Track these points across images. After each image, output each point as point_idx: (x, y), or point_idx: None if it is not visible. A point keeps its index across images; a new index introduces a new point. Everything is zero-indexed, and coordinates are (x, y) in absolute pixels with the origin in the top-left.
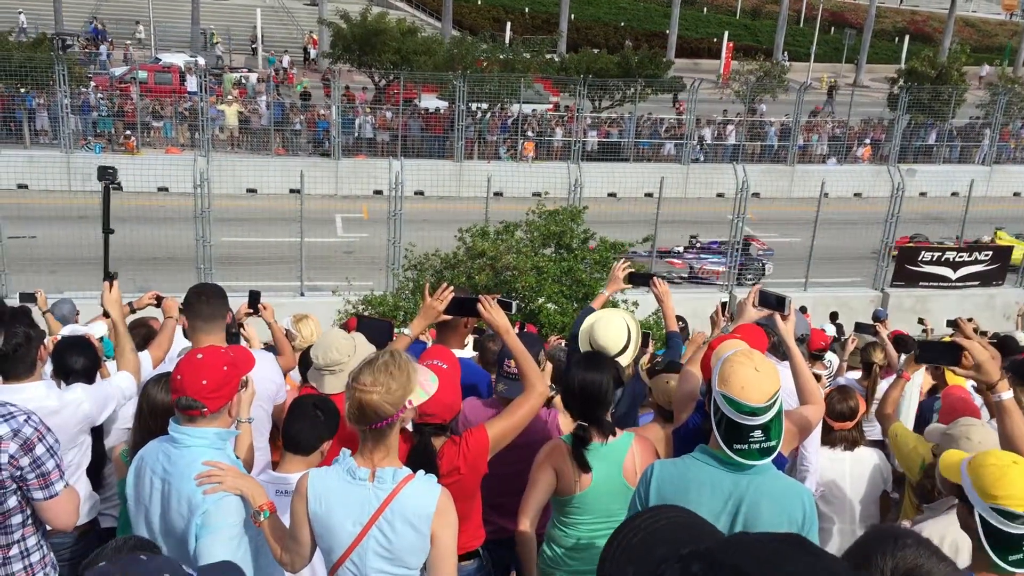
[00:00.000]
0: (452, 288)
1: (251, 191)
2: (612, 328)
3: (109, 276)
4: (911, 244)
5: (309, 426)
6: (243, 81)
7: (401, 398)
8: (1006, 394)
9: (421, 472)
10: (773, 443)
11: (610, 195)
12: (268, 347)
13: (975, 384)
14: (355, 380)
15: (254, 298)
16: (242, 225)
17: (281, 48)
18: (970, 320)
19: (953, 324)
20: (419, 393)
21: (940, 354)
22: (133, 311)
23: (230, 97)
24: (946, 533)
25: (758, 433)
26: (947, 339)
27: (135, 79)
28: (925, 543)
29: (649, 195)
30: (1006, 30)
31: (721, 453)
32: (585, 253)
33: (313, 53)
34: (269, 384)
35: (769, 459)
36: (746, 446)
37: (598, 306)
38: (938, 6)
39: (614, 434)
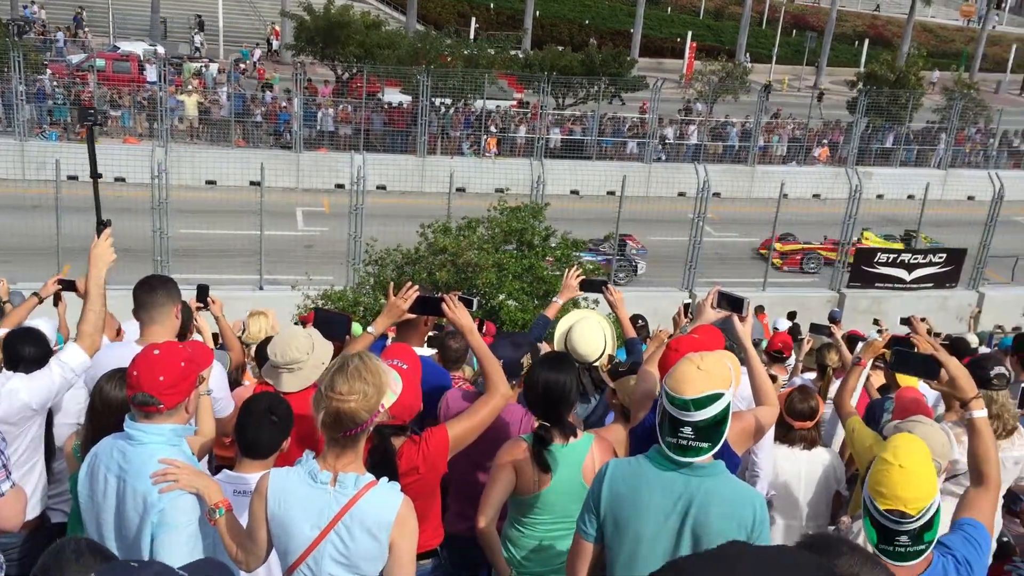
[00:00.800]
0: (417, 287)
1: (210, 183)
2: (589, 334)
3: (103, 223)
4: (780, 244)
5: (266, 431)
6: (203, 71)
7: (376, 403)
8: (978, 412)
9: (384, 479)
10: (704, 445)
11: (573, 192)
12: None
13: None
14: (330, 389)
15: (202, 292)
16: (200, 217)
17: (242, 39)
18: (923, 320)
19: (906, 322)
20: (389, 396)
21: (916, 367)
22: (40, 301)
23: (190, 87)
24: None
25: (688, 430)
26: (915, 345)
27: (92, 67)
28: (859, 550)
29: (611, 193)
30: (963, 36)
31: (668, 452)
32: (547, 250)
33: (276, 45)
34: (214, 394)
35: (698, 459)
36: (675, 440)
37: (552, 314)
38: (898, 11)
39: (575, 435)
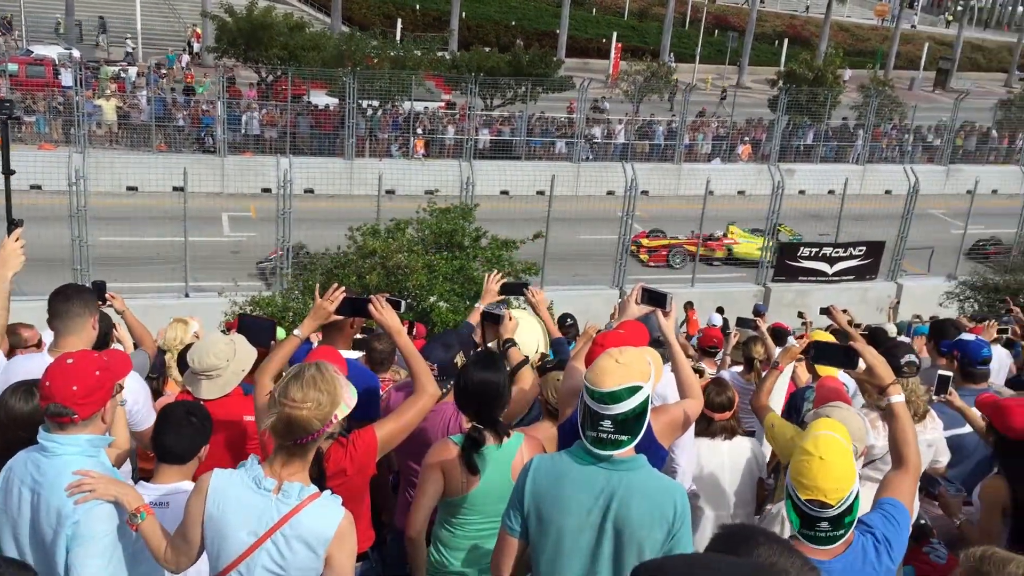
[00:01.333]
0: (344, 288)
1: (131, 189)
2: (526, 331)
3: (14, 223)
4: (647, 240)
5: (186, 435)
6: (121, 75)
7: (329, 413)
8: (896, 398)
9: (327, 492)
10: (624, 439)
11: (503, 193)
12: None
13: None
14: (283, 395)
15: (99, 289)
16: (122, 224)
17: (162, 42)
18: (844, 312)
19: (826, 311)
20: (343, 408)
21: (835, 357)
22: None
23: (108, 92)
24: None
25: (607, 424)
26: (828, 337)
27: (4, 72)
28: (777, 540)
29: (541, 193)
30: (878, 35)
31: (590, 447)
32: (477, 251)
33: (197, 47)
34: (131, 406)
35: (618, 452)
36: (595, 434)
37: (475, 320)
38: (815, 11)
39: (508, 435)
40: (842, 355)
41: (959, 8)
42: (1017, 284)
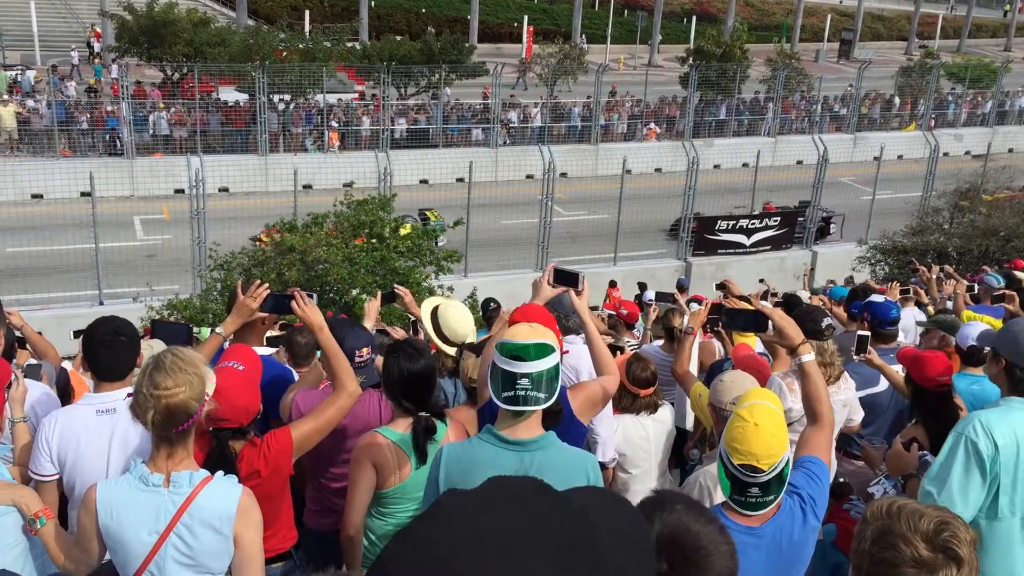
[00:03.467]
0: (267, 284)
1: (36, 196)
2: (461, 312)
3: None
4: None
5: (121, 352)
6: (18, 79)
7: (202, 391)
8: (806, 357)
9: (220, 473)
10: (541, 396)
11: (422, 182)
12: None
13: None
14: (154, 387)
15: None
16: (28, 233)
17: (60, 44)
18: (761, 281)
19: (721, 287)
20: (209, 384)
21: (746, 321)
22: None
23: (5, 97)
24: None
25: (525, 381)
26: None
27: None
28: (694, 506)
29: (460, 180)
30: (782, 8)
31: (498, 431)
32: (398, 241)
33: (97, 47)
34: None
35: (536, 408)
36: (512, 393)
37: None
38: None
39: (443, 418)
40: (752, 319)
41: None
42: (924, 245)
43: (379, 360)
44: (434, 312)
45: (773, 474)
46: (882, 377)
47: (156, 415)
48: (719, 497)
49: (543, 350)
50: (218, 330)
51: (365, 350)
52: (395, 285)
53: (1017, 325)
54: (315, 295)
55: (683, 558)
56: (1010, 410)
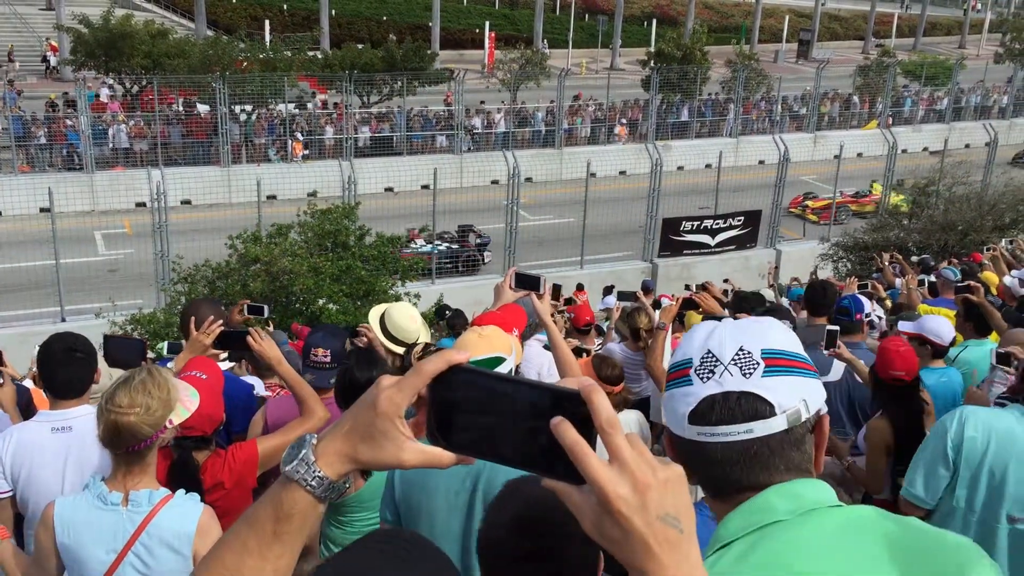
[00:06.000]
0: (220, 322)
1: None
2: (407, 313)
3: None
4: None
5: (77, 371)
6: None
7: (161, 418)
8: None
9: (181, 492)
10: None
11: (387, 190)
12: None
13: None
14: (109, 401)
15: None
16: None
17: (17, 58)
18: (726, 281)
19: (702, 287)
20: (180, 411)
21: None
22: None
23: None
24: None
25: None
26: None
27: None
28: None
29: (426, 187)
30: (741, 10)
31: None
32: (363, 250)
33: (54, 61)
34: None
35: None
36: None
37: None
38: None
39: None
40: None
41: None
42: (884, 240)
43: None
44: (381, 317)
45: None
46: (834, 367)
47: (104, 430)
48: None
49: (492, 363)
50: (169, 366)
51: (321, 351)
52: (361, 325)
53: None
54: (265, 307)
55: (542, 533)
56: (1005, 414)
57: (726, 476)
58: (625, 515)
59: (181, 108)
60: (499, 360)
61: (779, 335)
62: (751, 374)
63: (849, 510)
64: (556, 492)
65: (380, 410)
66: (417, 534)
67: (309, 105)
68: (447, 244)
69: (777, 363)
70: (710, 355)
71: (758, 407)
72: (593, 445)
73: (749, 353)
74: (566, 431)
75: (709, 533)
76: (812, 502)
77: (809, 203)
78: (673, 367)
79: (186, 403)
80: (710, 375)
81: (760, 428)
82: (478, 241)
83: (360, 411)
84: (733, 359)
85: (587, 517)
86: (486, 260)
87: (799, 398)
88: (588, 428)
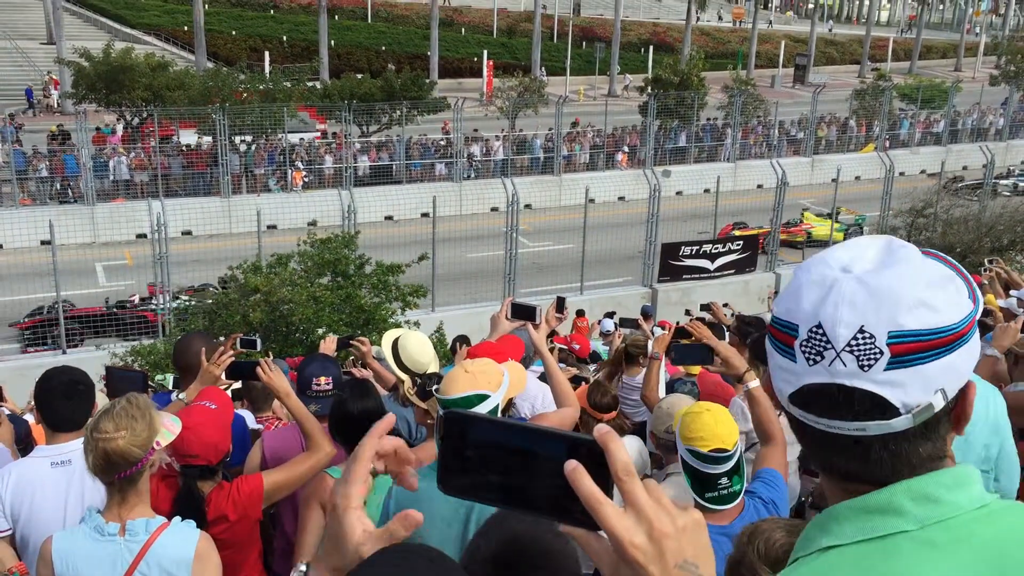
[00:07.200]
0: (231, 354)
1: None
2: (421, 342)
3: None
4: (737, 230)
5: (79, 404)
6: None
7: (148, 440)
8: (752, 383)
9: (177, 519)
10: None
11: (387, 218)
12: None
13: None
14: (95, 430)
15: None
16: None
17: (16, 92)
18: (726, 305)
19: (706, 308)
20: (165, 434)
21: (694, 357)
22: None
23: None
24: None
25: None
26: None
27: None
28: (533, 519)
29: (425, 215)
30: (737, 37)
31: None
32: (363, 278)
33: (56, 95)
34: None
35: None
36: None
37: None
38: (676, 18)
39: None
40: (699, 353)
41: (811, 6)
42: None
43: None
44: (394, 343)
45: (736, 458)
46: None
47: (95, 459)
48: None
49: (471, 402)
50: (181, 396)
51: (323, 379)
52: (356, 336)
53: None
54: (258, 340)
55: (530, 566)
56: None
57: (831, 463)
58: (642, 564)
59: (180, 140)
60: (482, 397)
61: (917, 307)
62: (870, 367)
63: (1002, 514)
64: (574, 538)
65: (339, 508)
66: (428, 547)
67: (308, 136)
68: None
69: (908, 349)
70: (819, 331)
71: (875, 406)
72: (609, 491)
73: (871, 338)
74: (581, 479)
75: None
76: (951, 507)
77: (736, 232)
78: (775, 322)
79: (170, 428)
80: (817, 358)
81: (875, 428)
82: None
83: (329, 521)
84: (849, 346)
85: (605, 564)
86: None
87: (934, 389)
88: (604, 474)
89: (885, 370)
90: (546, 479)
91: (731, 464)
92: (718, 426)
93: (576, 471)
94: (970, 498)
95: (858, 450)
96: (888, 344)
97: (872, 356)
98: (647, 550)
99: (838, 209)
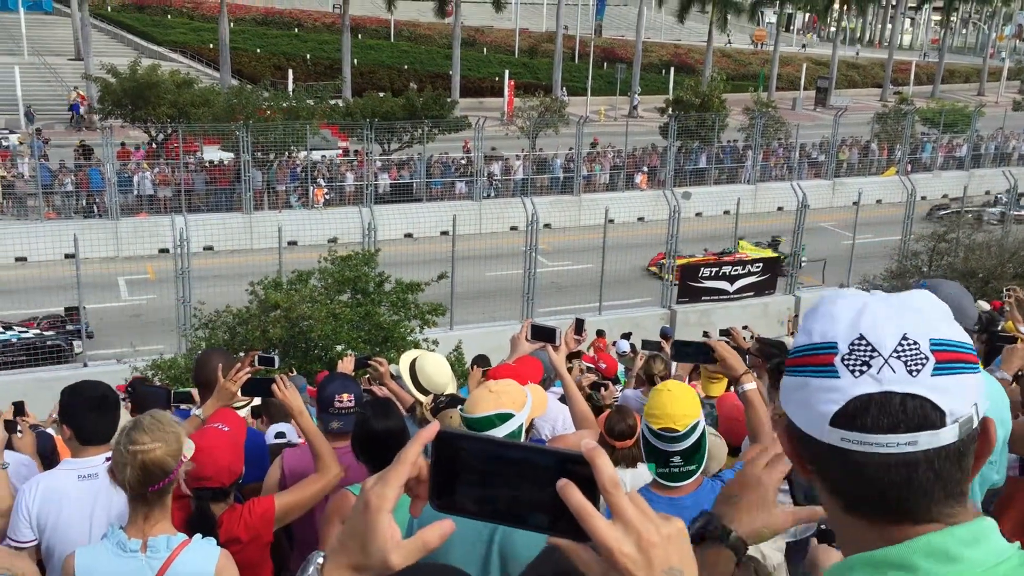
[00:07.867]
0: (248, 371)
1: (20, 259)
2: (439, 363)
3: None
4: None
5: (110, 417)
6: (3, 143)
7: (179, 449)
8: (748, 385)
9: (198, 536)
10: None
11: (407, 236)
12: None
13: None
14: (130, 443)
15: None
16: (11, 297)
17: (44, 108)
18: (745, 327)
19: (726, 333)
20: (189, 444)
21: (693, 354)
22: None
23: None
24: None
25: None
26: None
27: None
28: None
29: (445, 233)
30: (758, 59)
31: None
32: (382, 296)
33: (83, 110)
34: (15, 468)
35: None
36: None
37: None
38: (698, 39)
39: None
40: (698, 351)
41: (832, 30)
42: (904, 288)
43: None
44: (412, 363)
45: (691, 440)
46: None
47: (133, 472)
48: None
49: (494, 422)
50: (197, 413)
51: (345, 396)
52: (373, 357)
53: None
54: (275, 358)
55: None
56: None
57: (863, 496)
58: (631, 571)
59: (203, 156)
60: (507, 416)
61: (945, 322)
62: (918, 371)
63: (1020, 571)
64: (563, 549)
65: (371, 508)
66: (459, 569)
67: (330, 153)
68: (35, 331)
69: (949, 357)
70: (863, 342)
71: (927, 414)
72: (596, 503)
73: (915, 344)
74: (572, 494)
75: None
76: (969, 565)
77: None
78: (806, 349)
79: (187, 440)
80: (864, 368)
81: (926, 440)
82: (71, 327)
83: (354, 517)
84: (896, 351)
85: (595, 573)
86: (76, 350)
87: (971, 402)
88: (592, 488)
89: (932, 375)
90: (535, 494)
91: (684, 445)
92: (672, 406)
93: (567, 487)
94: (987, 553)
95: (902, 472)
96: (932, 350)
97: (919, 361)
98: (636, 558)
99: (778, 239)
